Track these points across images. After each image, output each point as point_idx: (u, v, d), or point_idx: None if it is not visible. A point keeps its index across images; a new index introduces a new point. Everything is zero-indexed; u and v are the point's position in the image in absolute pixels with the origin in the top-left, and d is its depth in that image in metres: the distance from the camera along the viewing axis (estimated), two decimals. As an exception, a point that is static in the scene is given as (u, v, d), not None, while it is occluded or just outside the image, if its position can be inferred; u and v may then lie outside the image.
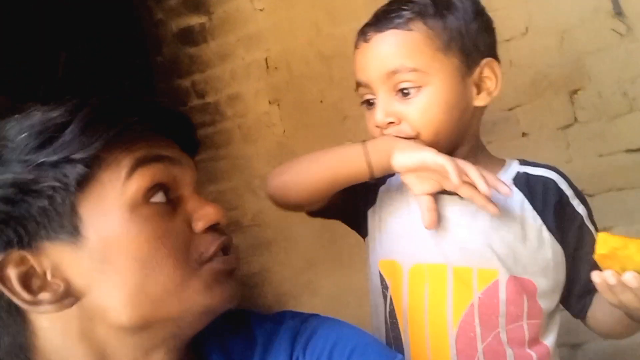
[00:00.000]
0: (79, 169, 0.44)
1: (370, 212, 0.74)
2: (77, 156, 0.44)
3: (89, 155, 0.44)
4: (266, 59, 1.58)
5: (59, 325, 0.46)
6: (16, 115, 0.46)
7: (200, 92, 1.66)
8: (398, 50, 0.65)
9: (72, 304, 0.45)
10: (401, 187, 0.71)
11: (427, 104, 0.64)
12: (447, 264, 0.65)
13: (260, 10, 1.57)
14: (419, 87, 0.64)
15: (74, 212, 0.45)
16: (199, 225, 0.49)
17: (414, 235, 0.68)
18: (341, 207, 0.75)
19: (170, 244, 0.47)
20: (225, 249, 0.51)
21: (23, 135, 0.45)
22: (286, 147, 1.59)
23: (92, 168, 0.45)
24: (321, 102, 1.54)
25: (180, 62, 1.67)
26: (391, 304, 0.70)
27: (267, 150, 1.61)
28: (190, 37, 1.65)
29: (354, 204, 0.75)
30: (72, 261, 0.45)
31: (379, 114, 0.66)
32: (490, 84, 0.67)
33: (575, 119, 1.30)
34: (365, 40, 0.67)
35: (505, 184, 0.61)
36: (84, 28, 1.53)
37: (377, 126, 0.67)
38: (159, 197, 0.48)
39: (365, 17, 0.73)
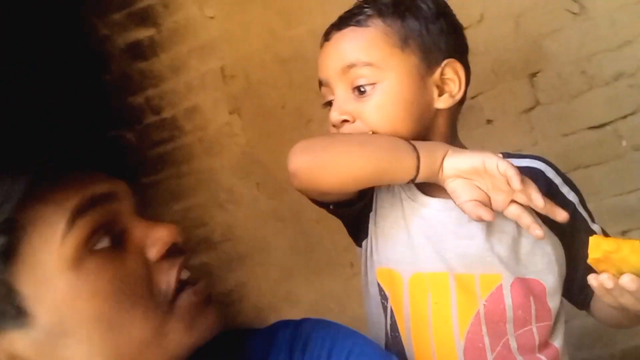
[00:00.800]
0: None
1: (370, 216, 0.70)
2: None
3: (1, 221, 0.37)
4: (222, 68, 1.53)
5: None
6: None
7: (156, 108, 1.59)
8: (354, 45, 0.65)
9: None
10: (392, 191, 0.68)
11: (382, 100, 0.63)
12: (448, 271, 0.62)
13: (211, 18, 1.51)
14: (373, 83, 0.63)
15: (10, 290, 0.38)
16: (154, 254, 0.44)
17: (411, 242, 0.64)
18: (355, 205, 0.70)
19: (132, 291, 0.41)
20: (189, 281, 0.45)
21: None
22: (251, 157, 1.54)
23: (12, 234, 0.38)
24: (283, 107, 1.50)
25: (131, 78, 1.59)
26: (392, 316, 0.66)
27: (231, 162, 1.56)
28: (139, 51, 1.57)
29: (363, 204, 0.70)
30: (28, 345, 0.39)
31: (334, 112, 0.65)
32: (452, 86, 0.66)
33: (537, 102, 1.31)
34: (327, 39, 0.68)
35: (562, 210, 0.56)
36: (22, 50, 1.44)
37: (333, 125, 0.66)
38: (103, 242, 0.42)
39: (321, 18, 0.72)
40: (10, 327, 0.39)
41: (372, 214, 0.70)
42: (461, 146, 0.71)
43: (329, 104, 0.68)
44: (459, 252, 0.62)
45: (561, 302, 0.66)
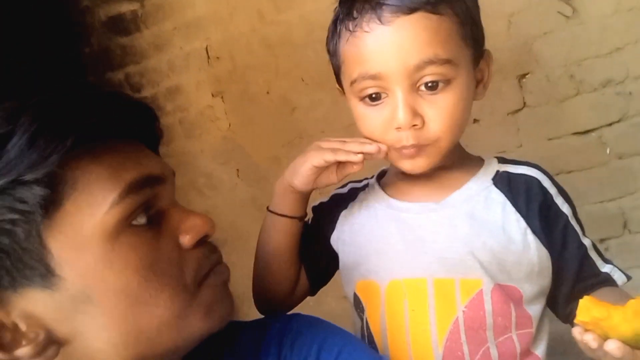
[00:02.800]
0: (38, 191, 0.36)
1: (333, 241, 0.69)
2: (30, 176, 0.36)
3: (44, 173, 0.36)
4: (207, 49, 1.49)
5: None
6: None
7: (136, 86, 1.53)
8: (432, 38, 0.54)
9: (56, 354, 0.38)
10: (364, 203, 0.67)
11: (454, 101, 0.55)
12: (426, 277, 0.60)
13: (198, -5, 1.46)
14: (448, 80, 0.55)
15: (43, 247, 0.37)
16: (187, 240, 0.44)
17: (387, 249, 0.62)
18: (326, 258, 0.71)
19: (162, 271, 0.41)
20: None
21: None
22: (232, 142, 1.50)
23: (58, 188, 0.37)
24: (267, 93, 1.46)
25: (112, 53, 1.54)
26: (368, 327, 0.64)
27: (212, 146, 1.52)
28: (121, 25, 1.52)
29: (323, 246, 0.71)
30: (49, 306, 0.38)
31: (404, 114, 0.55)
32: (485, 75, 0.62)
33: (525, 104, 1.30)
34: (383, 22, 0.54)
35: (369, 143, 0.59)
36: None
37: (398, 128, 0.56)
38: (141, 219, 0.41)
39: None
40: (35, 286, 0.38)
41: (334, 240, 0.69)
42: (460, 147, 0.67)
43: (372, 98, 0.58)
44: (439, 255, 0.60)
45: (544, 310, 0.65)
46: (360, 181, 0.72)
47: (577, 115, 1.26)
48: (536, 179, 0.62)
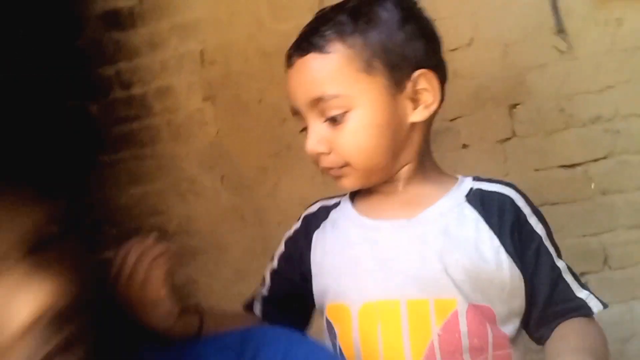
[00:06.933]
0: None
1: (312, 264, 0.68)
2: None
3: None
4: (201, 52, 1.47)
5: None
6: None
7: (126, 83, 1.51)
8: (318, 77, 0.61)
9: None
10: (336, 223, 0.66)
11: (355, 128, 0.61)
12: (399, 298, 0.59)
13: (197, -3, 1.45)
14: (345, 112, 0.60)
15: None
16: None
17: (359, 271, 0.61)
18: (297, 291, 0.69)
19: None
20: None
21: None
22: (219, 149, 1.48)
23: None
24: (260, 101, 1.45)
25: (105, 47, 1.51)
26: (341, 353, 0.62)
27: (198, 151, 1.49)
28: (116, 20, 1.50)
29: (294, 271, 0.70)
30: None
31: (310, 143, 0.63)
32: (427, 96, 0.62)
33: (514, 133, 1.32)
34: (290, 66, 0.64)
35: None
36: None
37: (310, 156, 0.64)
38: None
39: (310, 15, 0.67)
40: None
41: (311, 256, 0.68)
42: (433, 164, 0.69)
43: (305, 130, 0.65)
44: (412, 274, 0.59)
45: (519, 331, 0.64)
46: (331, 198, 0.72)
47: (564, 148, 1.27)
48: (509, 197, 0.62)
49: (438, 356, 0.57)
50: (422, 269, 0.59)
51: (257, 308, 0.72)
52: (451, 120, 1.33)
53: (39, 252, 0.32)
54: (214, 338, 0.53)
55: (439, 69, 0.64)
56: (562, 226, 1.28)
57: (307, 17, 0.66)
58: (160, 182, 1.50)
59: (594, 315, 0.63)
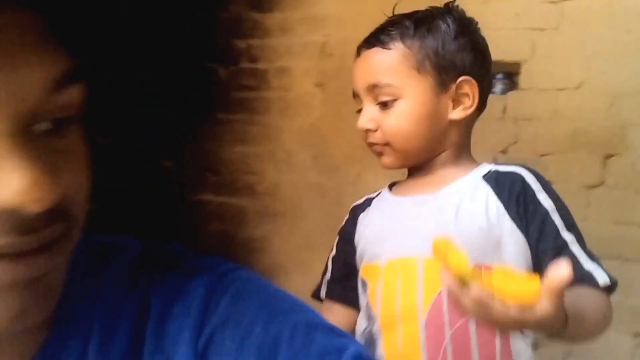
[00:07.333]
0: None
1: (355, 234, 0.79)
2: None
3: None
4: (323, 44, 1.61)
5: None
6: None
7: (253, 57, 1.70)
8: (377, 67, 0.73)
9: None
10: (375, 205, 0.79)
11: (399, 114, 0.71)
12: (417, 257, 0.69)
13: (331, -5, 1.60)
14: (394, 99, 0.71)
15: None
16: None
17: (390, 233, 0.73)
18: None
19: None
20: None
21: None
22: (318, 131, 1.63)
23: None
24: (364, 97, 1.56)
25: (243, 23, 1.71)
26: (368, 301, 0.74)
27: (299, 129, 1.64)
28: (258, 2, 1.69)
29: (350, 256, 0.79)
30: None
31: (361, 120, 0.74)
32: (467, 100, 0.72)
33: (603, 182, 1.31)
34: (358, 55, 0.76)
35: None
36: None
37: (360, 130, 0.75)
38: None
39: None
40: None
41: (356, 239, 0.78)
42: (470, 159, 0.77)
43: (360, 110, 0.76)
44: (429, 236, 0.66)
45: None
46: (375, 192, 0.84)
47: (651, 208, 1.25)
48: (520, 175, 0.70)
49: (444, 303, 0.67)
50: (437, 233, 0.66)
51: (323, 292, 0.82)
52: (542, 155, 1.36)
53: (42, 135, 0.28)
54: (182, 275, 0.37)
55: (483, 81, 0.74)
56: (631, 284, 1.26)
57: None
58: (261, 147, 1.68)
59: (601, 288, 0.64)
